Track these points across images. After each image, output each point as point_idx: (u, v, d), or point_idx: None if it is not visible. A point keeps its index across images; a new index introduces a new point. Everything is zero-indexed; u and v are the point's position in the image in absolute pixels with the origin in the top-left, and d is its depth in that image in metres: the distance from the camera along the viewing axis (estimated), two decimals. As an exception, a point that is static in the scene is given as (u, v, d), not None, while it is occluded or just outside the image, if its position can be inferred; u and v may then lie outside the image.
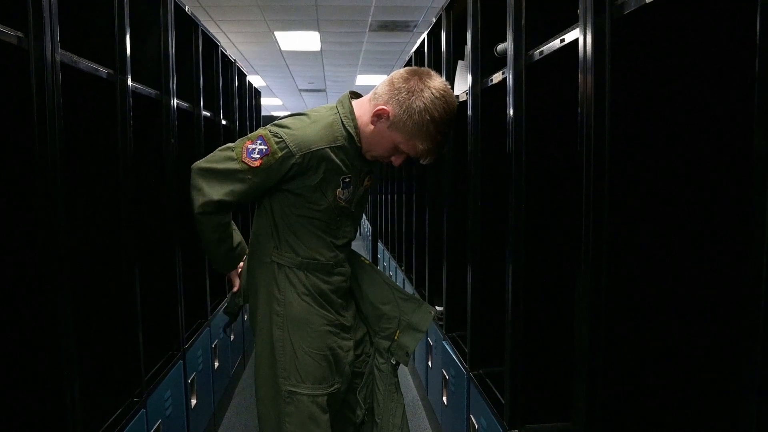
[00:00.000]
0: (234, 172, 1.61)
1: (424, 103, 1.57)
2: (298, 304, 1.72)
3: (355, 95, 1.75)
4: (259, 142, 1.61)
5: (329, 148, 1.63)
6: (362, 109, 1.68)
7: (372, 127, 1.65)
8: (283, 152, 1.60)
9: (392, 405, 1.82)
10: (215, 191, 1.62)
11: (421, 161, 1.70)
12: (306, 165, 1.62)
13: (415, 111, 1.58)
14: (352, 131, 1.65)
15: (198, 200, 1.64)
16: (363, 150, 1.70)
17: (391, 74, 1.67)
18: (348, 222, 1.77)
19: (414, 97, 1.58)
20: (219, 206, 1.64)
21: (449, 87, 1.63)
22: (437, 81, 1.61)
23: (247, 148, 1.61)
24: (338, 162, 1.65)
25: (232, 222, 1.79)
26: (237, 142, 1.65)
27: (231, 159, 1.62)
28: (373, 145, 1.68)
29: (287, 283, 1.73)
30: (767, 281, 0.73)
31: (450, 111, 1.61)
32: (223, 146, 1.68)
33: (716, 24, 1.12)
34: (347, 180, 1.68)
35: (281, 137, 1.60)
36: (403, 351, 1.82)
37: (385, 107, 1.61)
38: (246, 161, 1.60)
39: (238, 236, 1.85)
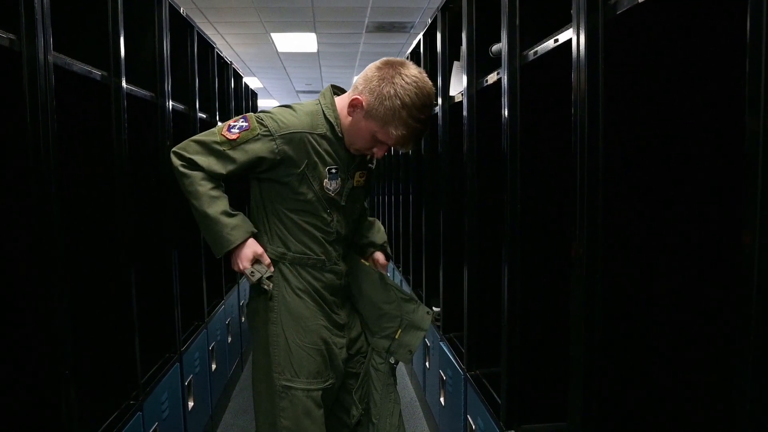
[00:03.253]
0: (212, 143, 1.67)
1: (395, 89, 1.58)
2: (292, 300, 1.73)
3: (338, 89, 1.78)
4: (241, 120, 1.68)
5: (309, 133, 1.67)
6: (342, 103, 1.71)
7: (350, 118, 1.68)
8: (261, 130, 1.65)
9: (389, 405, 1.83)
10: (194, 156, 1.67)
11: (399, 149, 1.70)
12: (287, 150, 1.65)
13: (386, 97, 1.59)
14: (333, 121, 1.69)
15: (176, 158, 1.68)
16: (346, 143, 1.71)
17: (367, 66, 1.69)
18: (339, 216, 1.77)
19: (384, 83, 1.60)
20: (191, 161, 1.66)
21: (424, 74, 1.64)
22: (410, 69, 1.62)
23: (229, 125, 1.68)
24: (321, 151, 1.69)
25: (218, 185, 1.71)
26: (222, 123, 1.72)
27: (213, 133, 1.69)
28: (353, 137, 1.70)
29: (280, 278, 1.74)
30: (759, 282, 0.73)
31: (423, 96, 1.60)
32: None
33: (708, 22, 1.12)
34: (334, 171, 1.71)
35: (262, 119, 1.67)
36: (406, 349, 1.82)
37: (359, 97, 1.64)
38: (225, 134, 1.67)
39: (223, 197, 1.72)
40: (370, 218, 2.04)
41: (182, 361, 2.43)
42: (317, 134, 1.68)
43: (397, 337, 1.83)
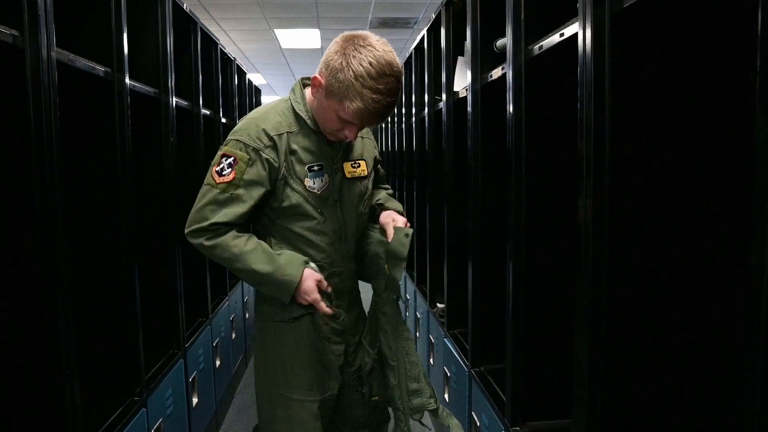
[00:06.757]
0: (216, 197, 1.56)
1: (347, 61, 1.48)
2: (285, 308, 1.67)
3: (308, 80, 1.68)
4: (223, 159, 1.58)
5: (288, 133, 1.60)
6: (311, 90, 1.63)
7: (315, 101, 1.60)
8: (248, 149, 1.57)
9: (404, 343, 1.75)
10: (211, 219, 1.56)
11: (367, 126, 1.59)
12: (272, 158, 1.58)
13: (339, 70, 1.49)
14: (303, 115, 1.62)
15: (193, 238, 1.57)
16: (321, 130, 1.63)
17: None
18: (337, 213, 1.68)
19: (338, 56, 1.50)
20: (211, 226, 1.56)
21: (383, 44, 1.52)
22: (368, 40, 1.51)
23: (216, 171, 1.57)
24: (297, 149, 1.61)
25: (249, 237, 1.61)
26: (207, 176, 1.61)
27: (209, 190, 1.58)
28: (322, 121, 1.61)
29: None
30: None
31: (378, 65, 1.48)
32: None
33: (717, 16, 1.10)
34: (316, 168, 1.62)
35: (239, 140, 1.58)
36: (395, 284, 1.72)
37: (317, 75, 1.56)
38: (221, 181, 1.56)
39: (263, 244, 1.62)
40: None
41: (186, 357, 2.43)
42: (292, 132, 1.61)
43: (388, 271, 1.72)
